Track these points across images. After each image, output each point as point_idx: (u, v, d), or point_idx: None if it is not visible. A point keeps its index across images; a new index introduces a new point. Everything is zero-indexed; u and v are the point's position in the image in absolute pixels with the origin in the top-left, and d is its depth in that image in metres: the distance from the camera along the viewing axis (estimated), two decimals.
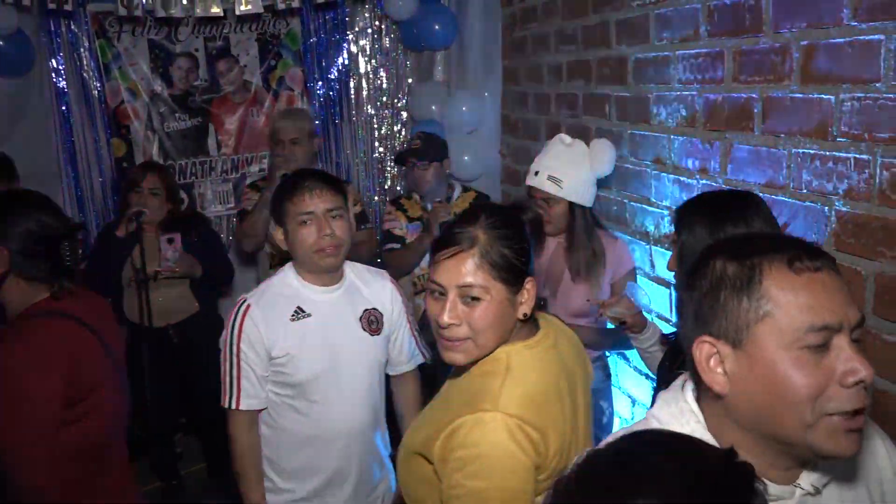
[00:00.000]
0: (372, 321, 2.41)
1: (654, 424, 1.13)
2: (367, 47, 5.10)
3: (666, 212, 2.90)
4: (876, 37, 1.87)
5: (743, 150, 2.41)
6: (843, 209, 2.01)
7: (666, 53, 2.81)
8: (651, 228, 3.03)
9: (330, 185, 2.34)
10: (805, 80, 2.12)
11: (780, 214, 2.21)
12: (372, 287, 2.48)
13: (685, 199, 2.51)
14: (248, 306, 2.28)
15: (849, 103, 1.97)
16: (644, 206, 3.07)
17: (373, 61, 5.12)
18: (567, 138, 2.94)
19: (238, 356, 2.25)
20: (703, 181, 2.64)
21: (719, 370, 1.05)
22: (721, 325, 1.04)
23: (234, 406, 2.26)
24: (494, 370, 1.58)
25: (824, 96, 2.05)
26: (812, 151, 2.11)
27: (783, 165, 2.23)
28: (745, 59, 2.37)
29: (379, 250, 3.79)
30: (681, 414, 1.12)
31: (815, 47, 2.07)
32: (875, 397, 1.94)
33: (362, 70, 5.11)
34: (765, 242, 1.08)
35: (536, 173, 2.85)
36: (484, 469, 1.45)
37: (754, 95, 2.34)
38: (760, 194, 2.29)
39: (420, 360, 2.63)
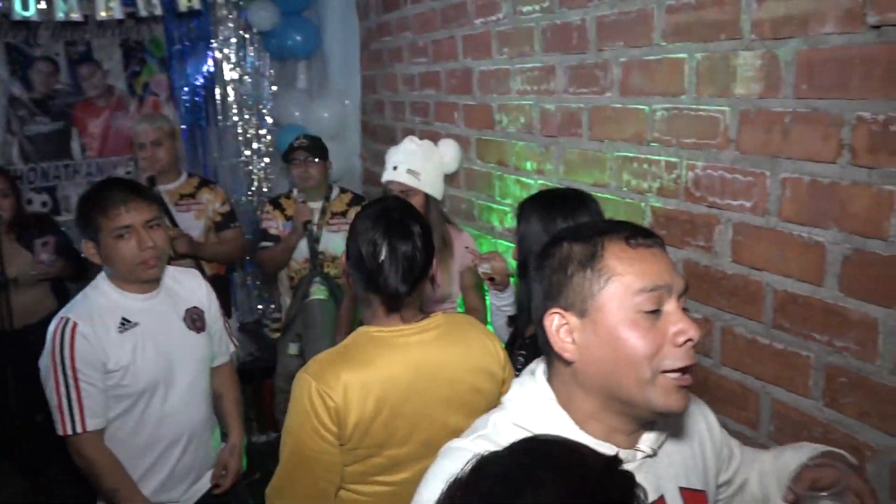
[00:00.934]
0: (195, 319, 2.25)
1: (510, 407, 1.14)
2: (232, 56, 4.89)
3: (509, 208, 2.95)
4: (681, 55, 1.97)
5: (574, 154, 2.49)
6: (657, 204, 2.11)
7: (506, 66, 2.86)
8: (496, 223, 3.08)
9: (143, 195, 2.13)
10: (624, 92, 2.22)
11: (605, 210, 2.30)
12: (187, 286, 2.31)
13: (525, 196, 2.57)
14: (75, 324, 2.03)
15: (660, 112, 2.07)
16: (490, 203, 3.11)
17: (238, 69, 4.92)
18: (416, 139, 2.93)
19: (75, 377, 2.01)
20: (541, 181, 2.70)
21: (568, 339, 1.07)
22: (569, 297, 1.07)
23: (79, 430, 2.01)
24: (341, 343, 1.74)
25: (640, 106, 2.15)
26: (631, 154, 2.21)
27: (607, 167, 2.32)
28: (574, 73, 2.45)
29: (252, 248, 3.65)
30: (533, 393, 1.14)
31: (631, 64, 2.17)
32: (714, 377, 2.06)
33: (227, 77, 4.89)
34: (606, 225, 1.12)
35: (395, 168, 2.82)
36: (289, 417, 1.65)
37: (582, 105, 2.42)
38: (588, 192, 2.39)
39: (232, 349, 2.51)
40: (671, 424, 1.18)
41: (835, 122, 1.56)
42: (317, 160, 3.54)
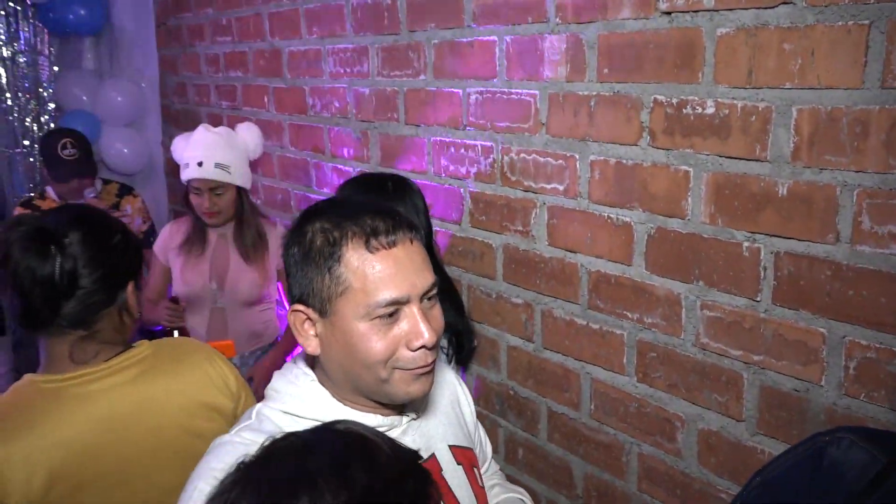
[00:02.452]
0: None
1: (274, 396, 1.18)
2: (2, 31, 4.41)
3: (325, 196, 2.90)
4: (491, 38, 2.03)
5: (391, 139, 2.49)
6: (475, 190, 2.17)
7: (317, 47, 2.81)
8: None
9: None
10: (438, 75, 2.24)
11: (426, 197, 2.33)
12: None
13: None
14: None
15: (474, 96, 2.12)
16: (307, 192, 3.05)
17: (10, 47, 4.45)
18: (210, 127, 2.80)
19: None
20: (359, 168, 2.69)
21: (312, 333, 1.12)
22: (310, 296, 1.10)
23: None
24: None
25: (454, 90, 2.19)
26: (447, 139, 2.25)
27: (424, 152, 2.35)
28: (387, 55, 2.44)
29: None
30: (295, 378, 1.18)
31: (444, 46, 2.20)
32: (509, 352, 2.14)
33: None
34: (350, 214, 1.11)
35: (200, 163, 2.68)
36: None
37: (397, 88, 2.42)
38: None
39: None
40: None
41: (635, 105, 1.68)
42: (87, 179, 3.19)
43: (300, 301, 1.12)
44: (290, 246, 1.13)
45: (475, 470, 1.30)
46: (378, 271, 1.07)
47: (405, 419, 1.20)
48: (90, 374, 1.42)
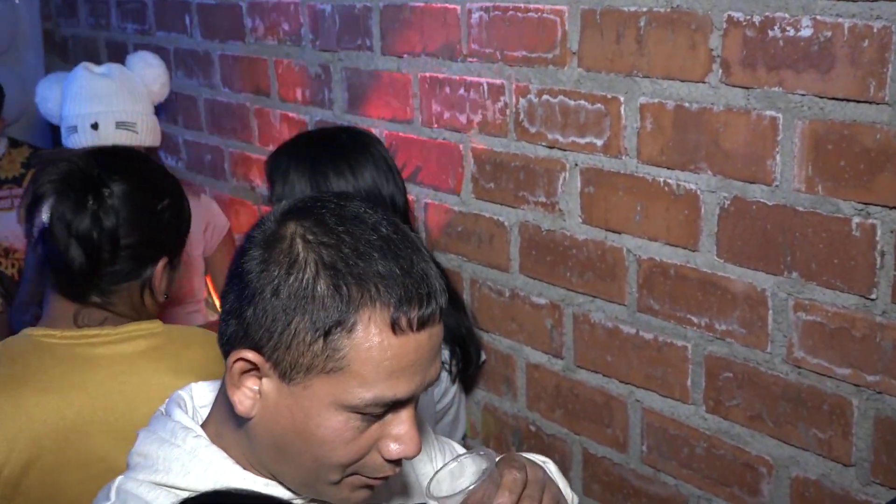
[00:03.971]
0: None
1: (142, 464, 1.16)
2: None
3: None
4: None
5: (362, 76, 2.49)
6: (480, 145, 2.17)
7: None
8: (259, 181, 3.03)
9: None
10: None
11: (411, 157, 2.33)
12: None
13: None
14: None
15: (477, 14, 2.11)
16: (245, 148, 3.06)
17: None
18: (95, 66, 2.79)
19: None
20: (318, 116, 2.69)
21: (251, 390, 1.09)
22: (278, 351, 1.05)
23: None
24: None
25: (450, 5, 2.18)
26: (440, 75, 2.25)
27: (409, 94, 2.35)
28: None
29: None
30: (172, 436, 1.16)
31: None
32: (529, 372, 2.15)
33: None
34: (377, 257, 1.05)
35: (95, 126, 2.67)
36: None
37: (369, 4, 2.42)
38: (386, 132, 2.41)
39: None
40: None
41: (701, 24, 1.67)
42: None
43: (254, 346, 1.06)
44: (267, 263, 1.06)
45: None
46: (391, 361, 1.05)
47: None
48: (96, 335, 1.62)
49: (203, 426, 1.18)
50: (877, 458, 1.54)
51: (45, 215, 1.58)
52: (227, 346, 1.10)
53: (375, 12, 2.40)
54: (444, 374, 1.98)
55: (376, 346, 1.03)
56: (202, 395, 1.25)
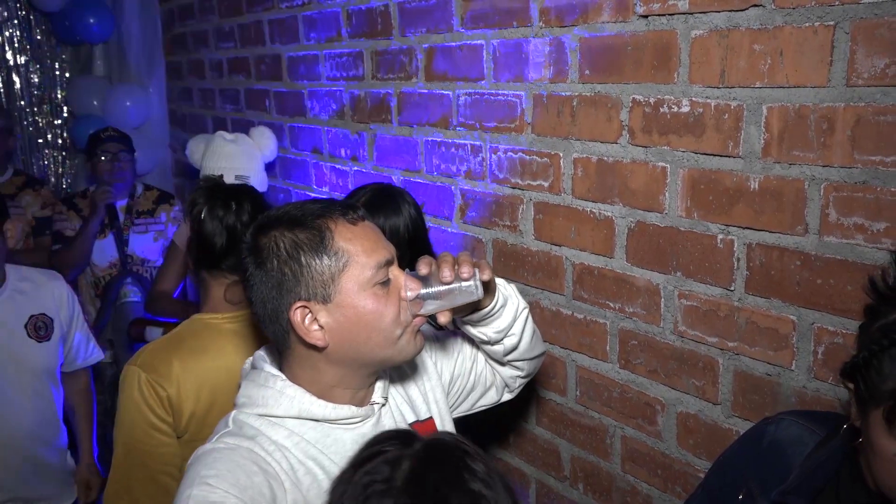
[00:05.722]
0: (39, 327, 2.15)
1: (247, 403, 1.17)
2: (15, 38, 4.42)
3: (325, 195, 2.91)
4: (479, 42, 2.03)
5: (385, 140, 2.50)
6: (465, 187, 2.17)
7: (314, 52, 2.81)
8: None
9: None
10: (429, 78, 2.25)
11: (418, 195, 2.34)
12: (42, 290, 2.20)
13: (342, 184, 2.55)
14: None
15: (463, 98, 2.12)
16: (307, 192, 3.05)
17: (23, 54, 4.46)
18: (227, 134, 2.81)
19: None
20: (356, 168, 2.69)
21: (316, 327, 1.11)
22: (309, 287, 1.10)
23: None
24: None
25: (445, 92, 2.19)
26: (438, 139, 2.25)
27: (417, 152, 2.35)
28: (381, 59, 2.44)
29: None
30: (265, 381, 1.17)
31: (434, 50, 2.20)
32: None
33: (11, 62, 4.42)
34: (315, 208, 1.14)
35: (221, 177, 2.68)
36: (119, 414, 1.56)
37: (390, 91, 2.43)
38: (402, 178, 2.41)
39: (96, 358, 2.43)
40: (394, 373, 1.32)
41: (615, 104, 1.68)
42: (127, 153, 3.32)
43: (297, 299, 1.10)
44: (264, 261, 1.12)
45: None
46: (366, 239, 1.12)
47: (376, 407, 1.22)
48: (240, 315, 1.67)
49: (286, 373, 1.19)
50: (735, 399, 1.54)
51: (204, 212, 1.65)
52: (269, 307, 1.13)
53: (394, 96, 2.41)
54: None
55: (351, 234, 1.11)
56: (272, 352, 1.25)
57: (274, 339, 1.17)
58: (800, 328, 1.40)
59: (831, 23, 1.28)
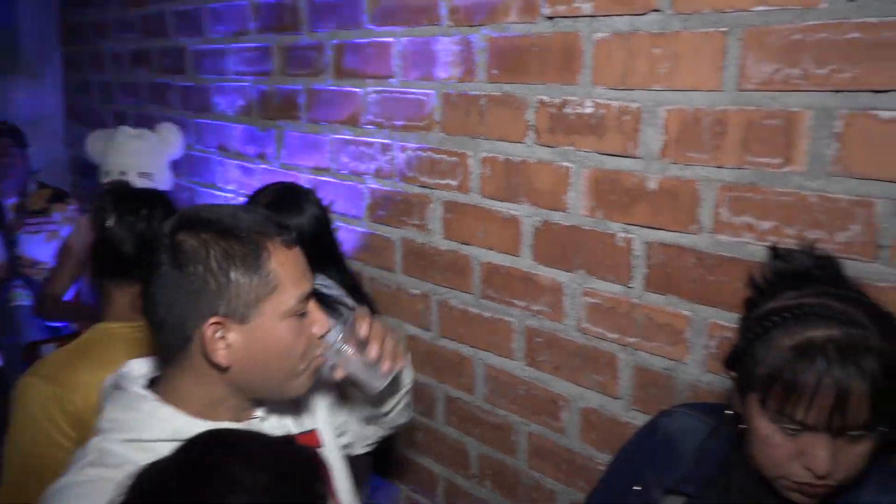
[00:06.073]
0: None
1: (111, 427, 1.05)
2: None
3: (231, 195, 2.82)
4: (388, 39, 2.01)
5: (294, 137, 2.43)
6: (374, 186, 2.14)
7: (221, 46, 2.71)
8: None
9: None
10: (339, 75, 2.20)
11: (327, 194, 2.29)
12: None
13: (249, 182, 2.47)
14: None
15: (373, 95, 2.09)
16: (212, 190, 2.95)
17: None
18: (131, 130, 2.68)
19: None
20: (263, 166, 2.61)
21: (222, 346, 1.03)
22: (231, 304, 1.01)
23: None
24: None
25: (354, 89, 2.15)
26: (348, 137, 2.21)
27: (326, 150, 2.30)
28: (290, 55, 2.38)
29: None
30: (131, 402, 1.06)
31: (344, 46, 2.16)
32: (407, 341, 2.12)
33: None
34: (249, 218, 1.05)
35: (122, 173, 2.54)
36: (14, 428, 1.42)
37: (299, 87, 2.37)
38: (310, 176, 2.36)
39: None
40: None
41: (521, 104, 1.69)
42: (18, 148, 3.11)
43: (211, 313, 1.01)
44: (186, 262, 1.00)
45: (321, 451, 1.25)
46: (296, 266, 1.06)
47: (255, 422, 1.13)
48: (142, 326, 1.56)
49: (155, 390, 1.08)
50: (635, 393, 1.57)
51: (111, 220, 1.56)
52: (178, 314, 1.02)
53: (304, 93, 2.36)
54: None
55: (285, 258, 1.04)
56: (139, 368, 1.14)
57: (164, 346, 1.07)
58: (694, 324, 1.44)
59: (724, 29, 1.32)
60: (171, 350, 1.06)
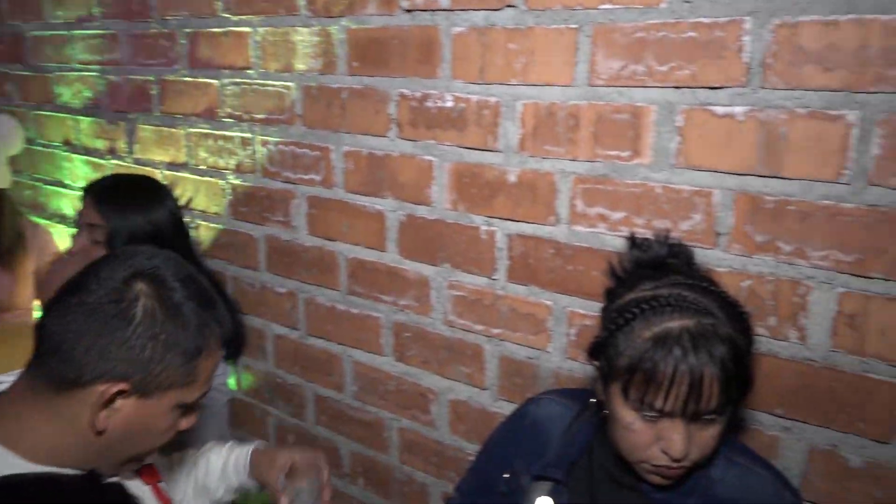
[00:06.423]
0: None
1: None
2: None
3: (78, 191, 2.61)
4: (245, 29, 1.92)
5: (147, 131, 2.28)
6: (235, 181, 2.05)
7: (62, 32, 2.50)
8: (70, 211, 2.71)
9: None
10: (193, 66, 2.08)
11: (186, 190, 2.17)
12: None
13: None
14: None
15: (231, 87, 1.99)
16: (58, 188, 2.72)
17: None
18: None
19: None
20: (115, 161, 2.43)
21: (111, 410, 0.96)
22: (147, 379, 0.95)
23: None
24: None
25: (210, 81, 2.04)
26: (205, 130, 2.09)
27: (183, 144, 2.17)
28: (140, 43, 2.23)
29: None
30: None
31: (198, 35, 2.04)
32: (275, 341, 2.05)
33: None
34: (211, 302, 1.03)
35: None
36: None
37: (151, 78, 2.22)
38: (166, 172, 2.22)
39: None
40: None
41: (383, 98, 1.66)
42: None
43: (124, 377, 0.93)
44: (124, 314, 0.93)
45: (160, 485, 1.19)
46: (215, 366, 1.04)
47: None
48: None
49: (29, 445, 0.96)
50: (501, 383, 1.59)
51: None
52: (77, 369, 0.92)
53: (156, 84, 2.21)
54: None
55: (213, 362, 1.03)
56: None
57: (43, 368, 0.94)
58: (555, 313, 1.47)
59: (575, 26, 1.35)
60: (47, 378, 0.94)
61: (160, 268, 0.98)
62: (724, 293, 1.01)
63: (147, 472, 1.15)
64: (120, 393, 0.94)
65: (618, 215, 1.35)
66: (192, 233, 2.16)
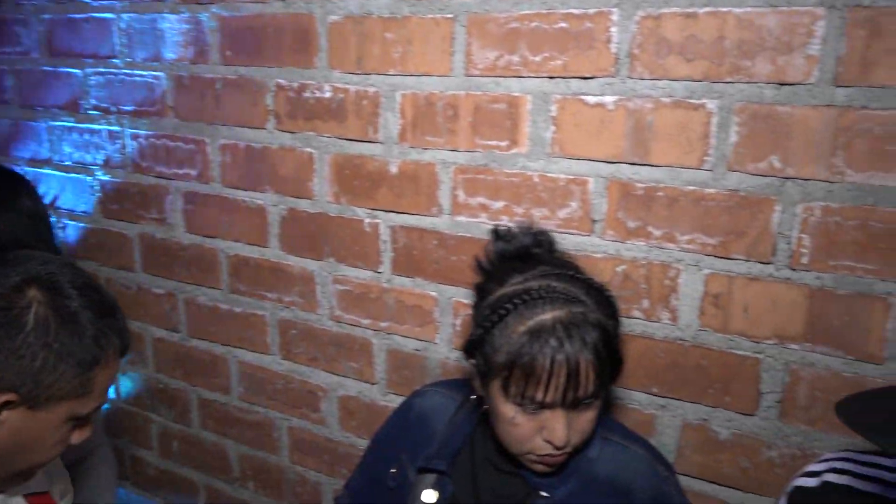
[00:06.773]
0: None
1: None
2: None
3: None
4: (108, 15, 1.79)
5: (2, 125, 2.10)
6: (104, 178, 1.92)
7: None
8: None
9: None
10: (52, 54, 1.93)
11: (49, 188, 2.01)
12: None
13: None
14: None
15: (95, 78, 1.86)
16: None
17: None
18: None
19: None
20: None
21: None
22: (38, 391, 0.91)
23: None
24: None
25: (72, 70, 1.90)
26: (69, 124, 1.95)
27: (43, 139, 2.01)
28: None
29: None
30: None
31: (56, 21, 1.89)
32: (155, 345, 1.94)
33: None
34: (111, 309, 1.00)
35: None
36: None
37: (4, 67, 2.04)
38: (28, 169, 2.06)
39: None
40: None
41: (260, 88, 1.59)
42: None
43: (11, 388, 0.89)
44: (10, 325, 0.89)
45: None
46: (111, 378, 0.99)
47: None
48: None
49: None
50: (389, 377, 1.57)
51: None
52: None
53: (9, 74, 2.04)
54: None
55: (110, 375, 0.99)
56: None
57: None
58: (441, 304, 1.46)
59: (450, 15, 1.34)
60: None
61: (55, 274, 0.95)
62: (589, 279, 1.02)
63: (38, 500, 1.09)
64: (7, 404, 0.91)
65: (498, 205, 1.35)
66: (59, 233, 2.01)
